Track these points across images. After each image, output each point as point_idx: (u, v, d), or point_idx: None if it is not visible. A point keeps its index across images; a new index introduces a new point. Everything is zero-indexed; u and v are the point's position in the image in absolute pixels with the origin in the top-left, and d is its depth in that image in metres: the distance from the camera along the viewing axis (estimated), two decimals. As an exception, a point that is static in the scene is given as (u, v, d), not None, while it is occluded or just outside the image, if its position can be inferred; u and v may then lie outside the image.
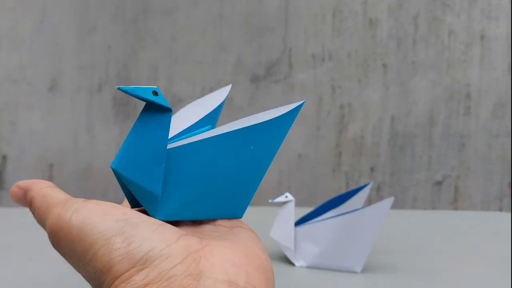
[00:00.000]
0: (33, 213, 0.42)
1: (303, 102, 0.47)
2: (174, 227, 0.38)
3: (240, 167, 0.43)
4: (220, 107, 0.50)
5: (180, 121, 0.46)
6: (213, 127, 0.47)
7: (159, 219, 0.39)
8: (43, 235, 0.79)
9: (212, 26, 1.78)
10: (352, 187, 1.83)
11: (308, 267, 0.76)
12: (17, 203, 0.44)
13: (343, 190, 1.80)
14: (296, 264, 0.76)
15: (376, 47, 1.82)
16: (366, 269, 0.75)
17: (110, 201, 0.41)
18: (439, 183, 1.82)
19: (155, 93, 0.37)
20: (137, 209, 0.43)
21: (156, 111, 0.38)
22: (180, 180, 0.41)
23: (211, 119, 0.48)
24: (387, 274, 0.75)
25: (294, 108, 0.47)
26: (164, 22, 1.77)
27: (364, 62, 1.83)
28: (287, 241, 0.77)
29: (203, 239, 0.36)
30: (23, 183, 0.43)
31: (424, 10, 1.81)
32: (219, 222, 0.43)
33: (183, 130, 0.45)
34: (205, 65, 1.78)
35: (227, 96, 0.52)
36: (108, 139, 1.77)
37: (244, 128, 0.46)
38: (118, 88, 0.37)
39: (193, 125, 0.46)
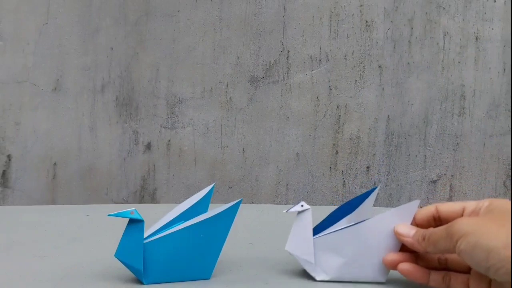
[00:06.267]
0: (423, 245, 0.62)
1: (241, 200, 0.71)
2: None
3: (200, 246, 0.70)
4: (197, 203, 0.76)
5: (167, 217, 0.74)
6: (185, 221, 0.71)
7: (145, 284, 0.68)
8: (46, 233, 0.83)
9: (212, 28, 1.82)
10: (349, 185, 1.87)
11: (331, 280, 0.69)
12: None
13: (340, 189, 1.83)
14: (317, 278, 0.69)
15: (372, 48, 1.85)
16: (390, 279, 0.71)
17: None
18: (434, 182, 1.85)
19: (132, 212, 0.66)
20: None
21: (135, 222, 0.67)
22: (157, 259, 0.68)
23: (188, 215, 0.74)
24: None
25: (232, 205, 0.70)
26: (165, 25, 1.80)
27: (360, 63, 1.86)
28: (306, 254, 0.69)
29: None
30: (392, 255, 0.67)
31: (419, 13, 1.84)
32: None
33: (165, 224, 0.72)
34: (205, 66, 1.81)
35: (208, 193, 0.78)
36: (111, 139, 1.81)
37: (194, 224, 0.69)
38: (108, 215, 0.65)
39: (170, 221, 0.73)
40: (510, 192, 1.86)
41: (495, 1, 1.81)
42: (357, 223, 0.68)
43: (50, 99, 1.77)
